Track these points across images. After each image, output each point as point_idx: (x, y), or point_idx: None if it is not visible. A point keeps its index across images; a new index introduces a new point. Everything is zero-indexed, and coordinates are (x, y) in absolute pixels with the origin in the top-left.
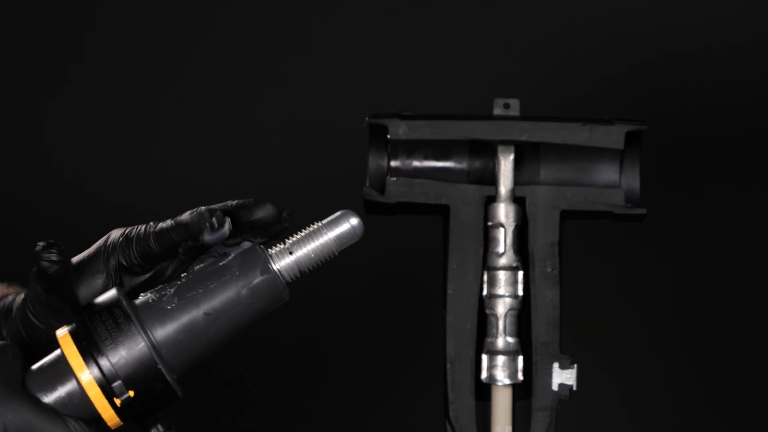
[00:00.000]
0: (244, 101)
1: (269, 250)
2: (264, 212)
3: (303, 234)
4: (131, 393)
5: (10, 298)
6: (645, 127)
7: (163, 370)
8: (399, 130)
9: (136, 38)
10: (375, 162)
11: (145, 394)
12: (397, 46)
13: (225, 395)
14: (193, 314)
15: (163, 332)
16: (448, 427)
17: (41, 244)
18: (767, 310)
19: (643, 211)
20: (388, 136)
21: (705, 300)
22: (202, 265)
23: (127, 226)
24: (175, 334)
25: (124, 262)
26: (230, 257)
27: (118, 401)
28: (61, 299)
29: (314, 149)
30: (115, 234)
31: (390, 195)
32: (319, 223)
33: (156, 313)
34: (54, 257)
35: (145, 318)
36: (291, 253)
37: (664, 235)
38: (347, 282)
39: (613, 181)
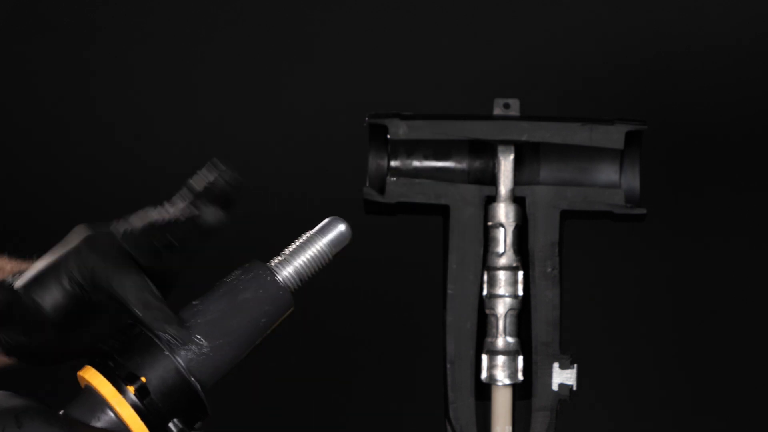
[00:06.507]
0: (243, 101)
1: (269, 263)
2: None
3: (297, 244)
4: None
5: None
6: (645, 127)
7: (194, 385)
8: (399, 130)
9: (137, 39)
10: (375, 162)
11: (176, 406)
12: (397, 46)
13: (222, 395)
14: (215, 337)
15: (188, 357)
16: (448, 427)
17: None
18: (767, 310)
19: (643, 211)
20: (388, 136)
21: (705, 300)
22: (212, 290)
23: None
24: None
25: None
26: (236, 277)
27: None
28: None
29: (314, 149)
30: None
31: (390, 195)
32: (310, 233)
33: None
34: None
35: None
36: (289, 263)
37: (664, 235)
38: (347, 282)
39: (613, 181)
